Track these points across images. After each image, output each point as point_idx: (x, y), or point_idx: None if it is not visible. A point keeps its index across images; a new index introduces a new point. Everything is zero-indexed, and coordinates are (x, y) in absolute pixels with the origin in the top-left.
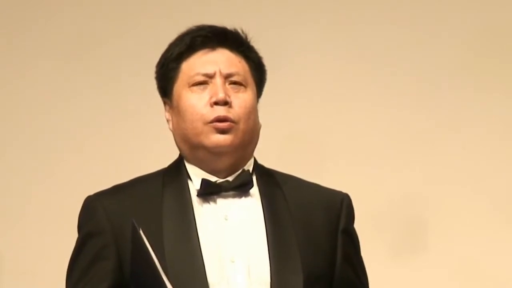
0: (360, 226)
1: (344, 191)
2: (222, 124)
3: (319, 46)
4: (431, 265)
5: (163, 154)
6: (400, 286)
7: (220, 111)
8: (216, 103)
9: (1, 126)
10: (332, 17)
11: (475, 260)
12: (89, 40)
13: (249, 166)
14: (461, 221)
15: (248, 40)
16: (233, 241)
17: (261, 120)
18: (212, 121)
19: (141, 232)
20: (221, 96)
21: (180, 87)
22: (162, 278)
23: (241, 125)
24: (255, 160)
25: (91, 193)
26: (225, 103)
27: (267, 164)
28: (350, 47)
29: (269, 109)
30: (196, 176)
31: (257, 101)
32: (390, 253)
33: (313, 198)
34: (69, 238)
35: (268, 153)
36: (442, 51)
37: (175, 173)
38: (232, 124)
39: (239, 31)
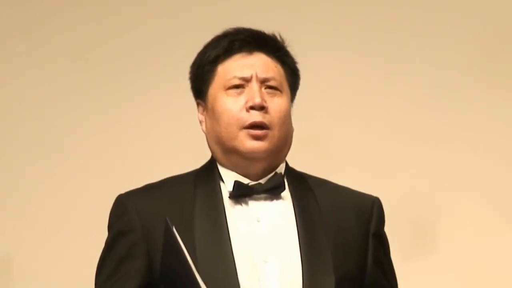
0: None
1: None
2: (257, 132)
3: (330, 48)
4: (440, 269)
5: (181, 155)
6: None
7: (256, 116)
8: (252, 108)
9: (13, 128)
10: (342, 19)
11: (485, 264)
12: (96, 40)
13: (281, 169)
14: (471, 224)
15: (285, 45)
16: (265, 243)
17: None
18: (247, 127)
19: (174, 229)
20: (257, 100)
21: (215, 89)
22: (195, 275)
23: (276, 132)
24: (286, 163)
25: (102, 196)
26: (262, 108)
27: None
28: (359, 50)
29: None
30: (228, 178)
31: (291, 105)
32: (399, 256)
33: (344, 201)
34: (79, 240)
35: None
36: (454, 53)
37: (207, 174)
38: (267, 131)
39: (277, 35)
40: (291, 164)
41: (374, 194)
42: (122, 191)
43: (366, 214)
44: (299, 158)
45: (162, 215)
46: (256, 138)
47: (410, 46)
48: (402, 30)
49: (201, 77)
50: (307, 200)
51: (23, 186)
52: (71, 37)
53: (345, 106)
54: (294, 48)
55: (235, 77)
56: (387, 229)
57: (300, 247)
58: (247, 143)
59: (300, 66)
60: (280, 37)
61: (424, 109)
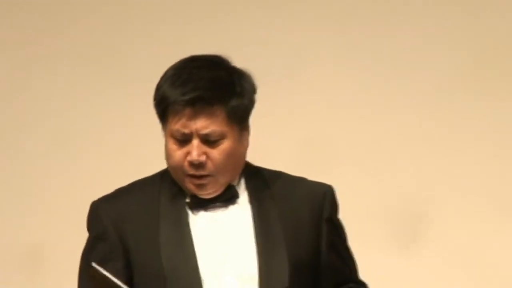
0: (367, 220)
1: (353, 190)
2: (198, 181)
3: (331, 58)
4: (430, 254)
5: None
6: (403, 273)
7: (194, 170)
8: (191, 163)
9: (40, 126)
10: (345, 31)
11: (469, 249)
12: (100, 47)
13: (235, 181)
14: (458, 214)
15: (235, 84)
16: (224, 240)
17: (278, 126)
18: (189, 175)
19: (96, 266)
20: (194, 159)
21: (167, 130)
22: None
23: (220, 175)
24: (246, 163)
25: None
26: (199, 163)
27: (283, 165)
28: (359, 59)
29: (285, 117)
30: (185, 191)
31: (246, 125)
32: (395, 244)
33: (299, 191)
34: None
35: (284, 155)
36: (446, 62)
37: (170, 180)
38: (208, 178)
39: (227, 74)
40: (299, 163)
41: (374, 192)
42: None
43: (319, 201)
44: (305, 159)
45: (130, 217)
46: (199, 185)
47: (410, 56)
48: (401, 37)
49: (156, 110)
50: (263, 195)
51: (57, 180)
52: (84, 44)
53: (348, 111)
54: (305, 60)
55: (178, 130)
56: (384, 223)
57: (256, 241)
58: (192, 187)
59: (310, 76)
60: (231, 74)
61: (420, 112)
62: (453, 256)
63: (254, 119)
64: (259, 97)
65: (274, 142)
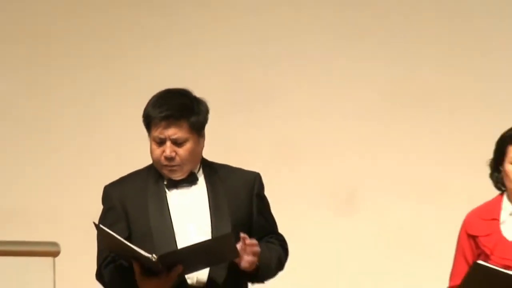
0: (316, 194)
1: (312, 177)
2: (170, 168)
3: (296, 86)
4: (362, 220)
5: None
6: (341, 235)
7: (168, 162)
8: (165, 158)
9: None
10: (302, 66)
11: (388, 217)
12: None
13: (196, 168)
14: (380, 191)
15: (194, 107)
16: (189, 208)
17: (257, 132)
18: (165, 165)
19: (103, 227)
20: (167, 154)
21: (151, 135)
22: (132, 246)
23: (185, 165)
24: (202, 159)
25: None
26: (171, 158)
27: (262, 161)
28: (316, 84)
29: (263, 123)
30: (164, 176)
31: (202, 133)
32: (336, 213)
33: (237, 176)
34: None
35: (263, 153)
36: (372, 91)
37: (154, 169)
38: (177, 166)
39: (189, 101)
40: (273, 159)
41: (326, 176)
42: None
43: (251, 183)
44: (278, 156)
45: (130, 196)
46: (171, 171)
47: (348, 88)
48: (344, 80)
49: (144, 124)
50: (214, 180)
51: (111, 168)
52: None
53: (310, 121)
54: (276, 84)
55: (157, 137)
56: (328, 196)
57: (210, 207)
58: (167, 172)
59: (283, 94)
60: (193, 101)
61: (355, 120)
62: (375, 223)
63: (244, 127)
64: (246, 112)
65: (255, 142)
